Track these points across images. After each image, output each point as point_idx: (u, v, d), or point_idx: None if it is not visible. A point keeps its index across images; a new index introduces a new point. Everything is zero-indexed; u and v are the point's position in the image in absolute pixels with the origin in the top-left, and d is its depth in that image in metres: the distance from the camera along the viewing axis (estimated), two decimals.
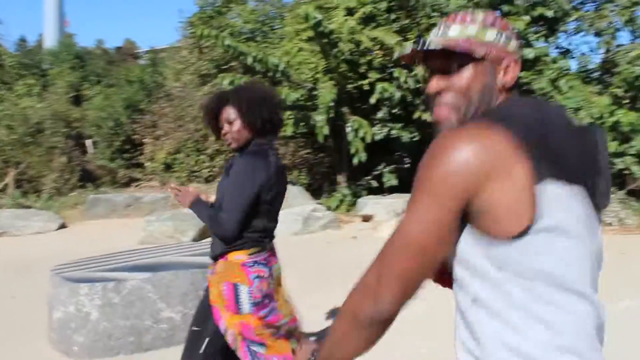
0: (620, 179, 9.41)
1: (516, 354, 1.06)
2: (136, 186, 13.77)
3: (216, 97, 2.62)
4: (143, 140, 14.31)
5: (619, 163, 9.01)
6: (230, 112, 2.50)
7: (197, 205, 2.52)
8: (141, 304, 3.83)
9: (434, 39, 1.19)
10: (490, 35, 1.18)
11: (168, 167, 13.79)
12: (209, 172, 13.28)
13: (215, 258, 2.52)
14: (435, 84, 1.21)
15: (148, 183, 13.84)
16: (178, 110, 13.98)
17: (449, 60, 1.18)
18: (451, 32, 1.19)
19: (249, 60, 9.84)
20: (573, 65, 11.22)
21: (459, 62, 1.18)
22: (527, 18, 9.41)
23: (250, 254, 2.44)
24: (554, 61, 10.23)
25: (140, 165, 14.46)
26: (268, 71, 10.07)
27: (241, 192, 2.37)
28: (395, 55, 1.24)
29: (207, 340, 2.45)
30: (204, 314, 2.52)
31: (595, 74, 11.14)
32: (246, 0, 14.61)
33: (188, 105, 13.81)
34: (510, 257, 1.05)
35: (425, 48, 1.17)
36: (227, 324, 2.40)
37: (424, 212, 1.07)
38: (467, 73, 1.18)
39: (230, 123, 2.50)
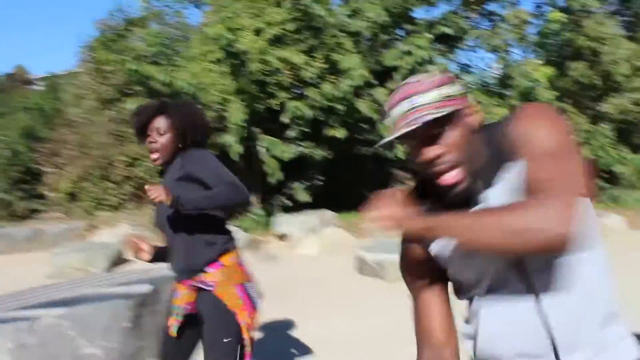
0: None
1: None
2: (37, 218, 13.01)
3: (153, 105, 2.50)
4: (44, 169, 13.57)
5: None
6: (162, 123, 2.40)
7: (182, 195, 2.25)
8: (59, 343, 3.58)
9: (419, 114, 1.19)
10: (457, 89, 1.23)
11: (73, 197, 13.14)
12: (117, 200, 12.78)
13: (199, 270, 2.37)
14: (432, 152, 1.21)
15: (51, 214, 13.10)
16: (80, 137, 13.39)
17: (436, 125, 1.19)
18: (428, 98, 1.20)
19: (156, 84, 9.61)
20: (471, 79, 11.81)
21: (445, 123, 1.20)
22: (429, 36, 9.82)
23: (237, 254, 2.45)
24: (456, 77, 10.73)
25: (41, 197, 13.68)
26: (175, 94, 9.88)
27: (222, 167, 2.35)
28: (380, 144, 1.22)
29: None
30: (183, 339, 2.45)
31: (494, 88, 11.77)
32: (148, 24, 14.30)
33: (91, 132, 13.26)
34: None
35: (422, 123, 1.17)
36: (246, 324, 2.37)
37: None
38: (454, 130, 1.20)
39: (161, 134, 2.39)
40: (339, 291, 5.81)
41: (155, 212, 2.49)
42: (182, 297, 2.43)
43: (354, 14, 10.16)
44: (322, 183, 11.33)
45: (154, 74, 9.77)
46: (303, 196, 10.81)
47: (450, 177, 1.22)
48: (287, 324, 4.54)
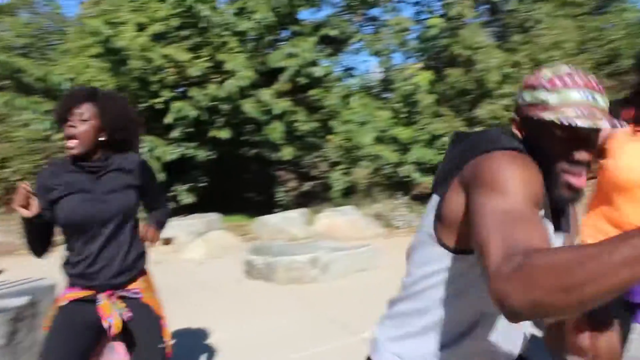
0: (405, 186, 10.35)
1: None
2: None
3: (82, 90, 2.28)
4: None
5: (402, 171, 9.91)
6: (87, 110, 2.19)
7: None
8: None
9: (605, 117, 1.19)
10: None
11: None
12: None
13: (137, 276, 2.34)
14: (588, 156, 1.22)
15: None
16: None
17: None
18: (605, 103, 1.21)
19: (28, 78, 8.97)
20: (354, 81, 12.10)
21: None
22: (314, 39, 9.90)
23: None
24: (339, 79, 10.97)
25: None
26: (50, 90, 9.28)
27: None
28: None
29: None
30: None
31: (376, 91, 12.13)
32: (17, 12, 13.32)
33: None
34: None
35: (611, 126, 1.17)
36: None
37: None
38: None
39: (83, 120, 2.18)
40: (229, 295, 5.71)
41: (69, 209, 2.20)
42: (107, 306, 2.25)
43: (240, 13, 10.05)
44: (205, 185, 11.09)
45: (26, 67, 9.11)
46: (186, 198, 10.54)
47: (582, 182, 1.23)
48: (180, 330, 4.41)
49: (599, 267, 0.78)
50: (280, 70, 9.72)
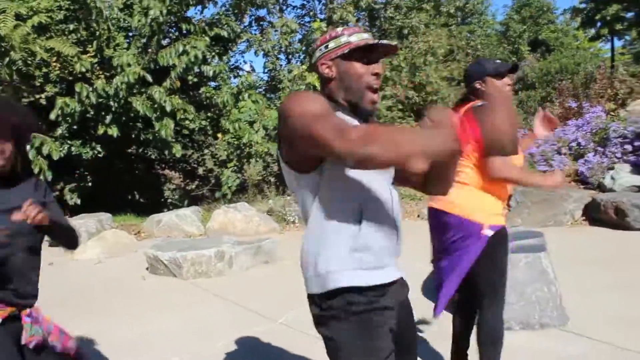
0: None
1: None
2: None
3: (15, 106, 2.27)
4: None
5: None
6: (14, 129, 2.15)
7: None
8: None
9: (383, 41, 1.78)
10: None
11: None
12: None
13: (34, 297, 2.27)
14: (380, 68, 1.77)
15: None
16: None
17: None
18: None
19: None
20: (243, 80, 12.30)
21: None
22: (207, 39, 9.96)
23: None
24: (229, 78, 11.14)
25: None
26: None
27: None
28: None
29: None
30: None
31: (263, 89, 12.42)
32: None
33: None
34: None
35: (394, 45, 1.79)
36: None
37: None
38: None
39: (8, 141, 2.13)
40: (136, 293, 5.69)
41: None
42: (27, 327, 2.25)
43: (128, 8, 9.89)
44: (91, 184, 10.77)
45: None
46: (72, 197, 10.19)
47: (376, 96, 1.79)
48: (88, 331, 4.40)
49: (418, 136, 1.45)
50: (171, 67, 9.69)
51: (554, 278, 4.21)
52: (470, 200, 2.86)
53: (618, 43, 26.02)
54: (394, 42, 1.81)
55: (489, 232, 2.82)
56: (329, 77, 1.79)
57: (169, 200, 11.67)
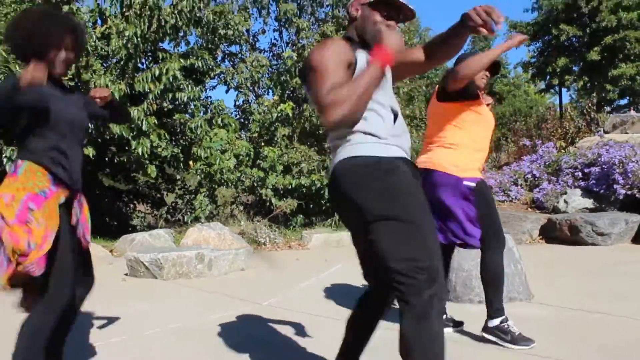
0: (263, 208, 11.04)
1: None
2: None
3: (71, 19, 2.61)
4: None
5: (263, 192, 10.63)
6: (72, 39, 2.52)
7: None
8: None
9: None
10: None
11: None
12: None
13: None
14: (396, 28, 2.20)
15: None
16: None
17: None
18: None
19: None
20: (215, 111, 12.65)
21: None
22: (181, 61, 10.27)
23: None
24: (202, 107, 11.51)
25: None
26: None
27: None
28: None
29: None
30: None
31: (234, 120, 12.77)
32: None
33: None
34: None
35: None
36: None
37: None
38: None
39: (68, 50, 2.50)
40: (116, 294, 5.62)
41: (61, 110, 2.45)
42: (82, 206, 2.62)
43: (106, 38, 10.20)
44: None
45: None
46: None
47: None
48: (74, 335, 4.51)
49: (360, 82, 1.94)
50: (149, 92, 9.97)
51: (519, 257, 4.62)
52: (448, 157, 3.34)
53: (566, 96, 27.61)
54: (413, 7, 2.21)
55: (470, 184, 3.28)
56: (354, 17, 2.25)
57: (138, 227, 11.73)
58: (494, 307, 3.40)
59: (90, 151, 9.52)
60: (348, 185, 2.02)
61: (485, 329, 3.42)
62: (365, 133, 2.06)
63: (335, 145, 2.14)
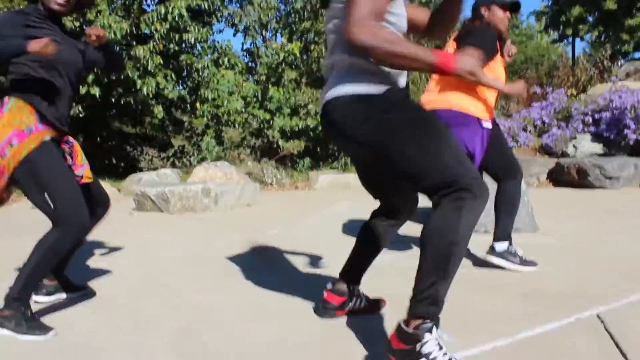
0: (270, 151, 11.02)
1: None
2: None
3: None
4: None
5: (269, 134, 10.59)
6: None
7: None
8: None
9: None
10: None
11: None
12: None
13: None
14: None
15: None
16: None
17: None
18: None
19: None
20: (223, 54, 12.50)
21: None
22: (185, 3, 10.11)
23: None
24: (209, 48, 11.37)
25: None
26: None
27: None
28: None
29: None
30: None
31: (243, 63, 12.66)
32: None
33: None
34: None
35: None
36: None
37: None
38: None
39: None
40: (124, 228, 5.57)
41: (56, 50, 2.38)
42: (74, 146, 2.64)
43: None
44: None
45: None
46: None
47: None
48: (81, 269, 4.54)
49: (410, 48, 1.72)
50: (155, 32, 9.86)
51: (526, 189, 4.59)
52: (464, 98, 3.28)
53: (579, 48, 27.09)
54: None
55: (487, 125, 3.25)
56: None
57: (145, 170, 11.78)
58: (504, 231, 3.39)
59: (96, 91, 9.49)
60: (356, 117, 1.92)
61: (491, 251, 3.41)
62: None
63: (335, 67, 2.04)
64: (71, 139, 2.65)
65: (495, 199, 3.43)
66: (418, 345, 1.74)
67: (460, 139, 3.21)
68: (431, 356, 1.73)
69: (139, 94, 9.71)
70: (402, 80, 2.04)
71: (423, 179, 1.79)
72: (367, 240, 2.37)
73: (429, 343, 1.74)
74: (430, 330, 1.75)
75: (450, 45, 3.39)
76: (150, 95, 9.66)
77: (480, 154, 3.29)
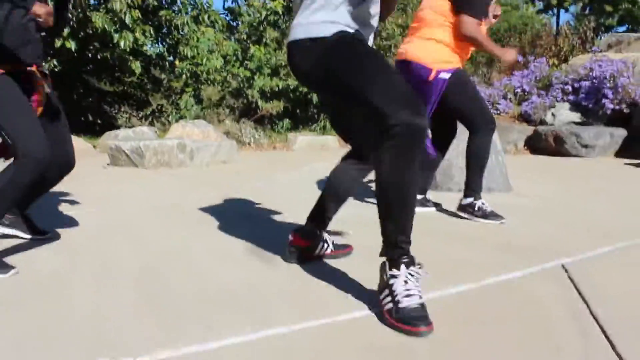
0: (249, 111, 10.91)
1: None
2: None
3: None
4: None
5: (249, 94, 10.46)
6: None
7: None
8: None
9: None
10: None
11: None
12: None
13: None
14: None
15: None
16: None
17: None
18: None
19: None
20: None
21: None
22: None
23: None
24: (189, 4, 11.13)
25: None
26: None
27: None
28: None
29: None
30: None
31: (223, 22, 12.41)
32: None
33: None
34: None
35: None
36: None
37: None
38: None
39: None
40: (99, 182, 5.51)
41: None
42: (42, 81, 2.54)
43: None
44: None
45: None
46: None
47: None
48: (52, 218, 4.47)
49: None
50: None
51: (501, 149, 4.60)
52: (429, 51, 3.27)
53: (564, 17, 27.03)
54: None
55: (445, 75, 3.24)
56: None
57: (122, 126, 11.61)
58: (471, 187, 3.42)
59: (71, 45, 9.26)
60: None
61: (459, 207, 3.45)
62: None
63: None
64: (39, 74, 2.55)
65: (466, 153, 3.44)
66: (386, 279, 1.82)
67: (415, 88, 3.20)
68: (395, 291, 1.75)
69: (116, 49, 9.49)
70: (367, 31, 2.06)
71: (369, 110, 1.78)
72: (336, 184, 2.36)
73: (398, 278, 1.77)
74: (398, 267, 1.79)
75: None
76: (128, 50, 9.45)
77: (432, 104, 3.30)
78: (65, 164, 2.70)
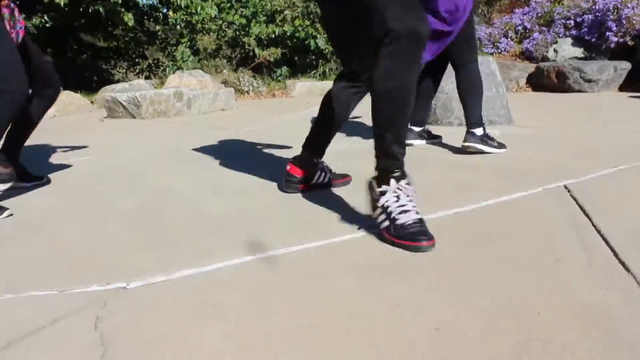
0: (246, 59, 10.75)
1: None
2: None
3: None
4: None
5: (246, 42, 10.27)
6: None
7: None
8: None
9: None
10: None
11: None
12: None
13: None
14: None
15: None
16: None
17: None
18: None
19: None
20: None
21: None
22: None
23: None
24: None
25: None
26: None
27: None
28: None
29: None
30: None
31: None
32: None
33: None
34: None
35: None
36: None
37: None
38: None
39: None
40: (96, 133, 5.42)
41: None
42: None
43: None
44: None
45: None
46: None
47: None
48: (47, 163, 4.43)
49: None
50: None
51: (501, 81, 4.50)
52: None
53: None
54: None
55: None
56: None
57: (118, 80, 11.46)
58: (476, 116, 3.31)
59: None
60: None
61: (469, 139, 3.30)
62: None
63: None
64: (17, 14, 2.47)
65: (458, 87, 3.32)
66: (378, 194, 1.77)
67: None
68: (388, 208, 1.71)
69: (108, 1, 9.28)
70: None
71: (372, 15, 1.68)
72: (331, 107, 2.29)
73: (387, 194, 1.72)
74: (388, 182, 1.74)
75: None
76: (120, 1, 9.24)
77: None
78: (52, 87, 2.66)
